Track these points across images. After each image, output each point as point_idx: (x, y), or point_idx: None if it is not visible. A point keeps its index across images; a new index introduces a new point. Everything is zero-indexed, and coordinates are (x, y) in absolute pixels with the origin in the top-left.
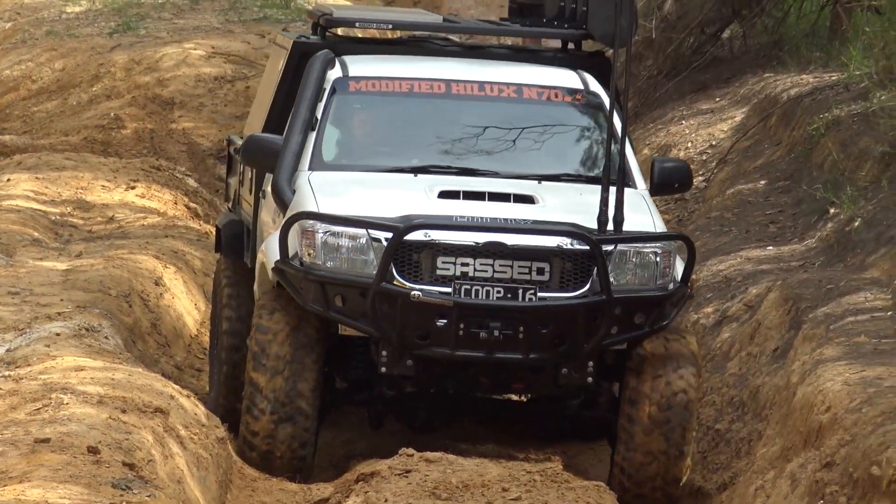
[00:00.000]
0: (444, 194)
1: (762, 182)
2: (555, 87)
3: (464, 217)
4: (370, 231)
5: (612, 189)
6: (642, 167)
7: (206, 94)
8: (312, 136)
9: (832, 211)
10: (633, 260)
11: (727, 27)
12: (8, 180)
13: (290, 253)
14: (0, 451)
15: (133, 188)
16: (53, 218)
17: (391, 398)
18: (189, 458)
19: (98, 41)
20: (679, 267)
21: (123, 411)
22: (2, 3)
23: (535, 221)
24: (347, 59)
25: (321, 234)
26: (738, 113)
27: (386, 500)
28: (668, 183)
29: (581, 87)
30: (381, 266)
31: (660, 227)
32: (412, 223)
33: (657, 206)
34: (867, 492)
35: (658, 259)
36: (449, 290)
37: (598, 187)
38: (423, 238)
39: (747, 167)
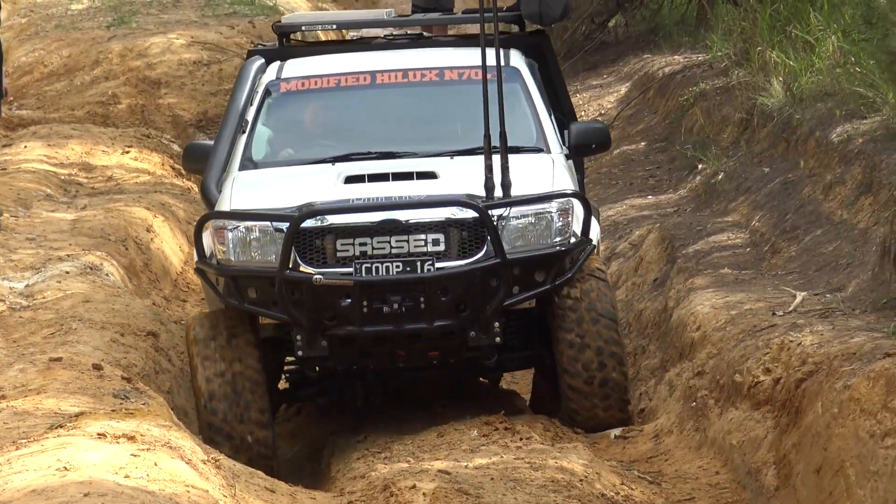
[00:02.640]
0: (350, 179)
1: (643, 143)
2: (475, 67)
3: (359, 199)
4: (273, 223)
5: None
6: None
7: (187, 75)
8: (243, 138)
9: (700, 166)
10: (528, 220)
11: (612, 17)
12: (25, 147)
13: (207, 253)
14: (20, 368)
15: (128, 152)
16: (62, 177)
17: (328, 387)
18: (176, 373)
19: (98, 33)
20: (582, 222)
21: (122, 334)
22: (18, 1)
23: (428, 196)
24: (287, 62)
25: (230, 232)
26: (622, 87)
27: None
28: (586, 144)
29: (502, 64)
30: (282, 255)
31: (561, 186)
32: (306, 211)
33: (580, 166)
34: (731, 395)
35: (552, 217)
36: (350, 270)
37: (519, 155)
38: (321, 223)
39: (630, 131)
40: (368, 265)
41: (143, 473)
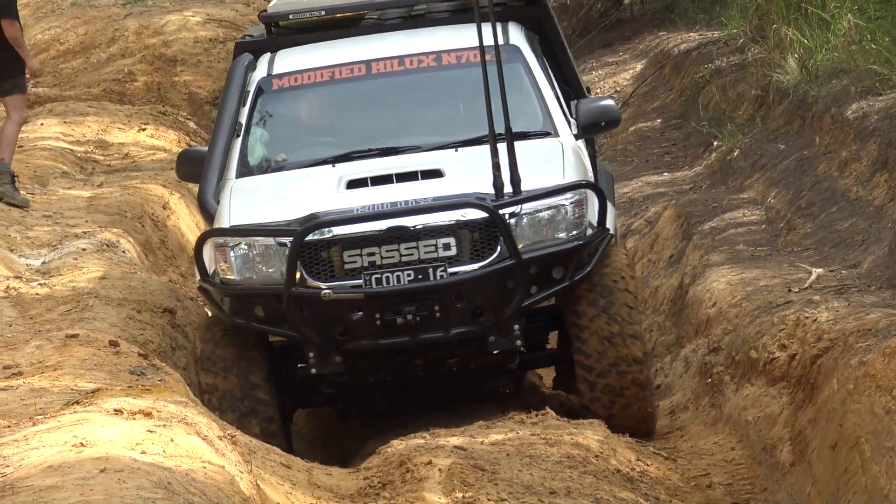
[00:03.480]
0: (352, 184)
1: (658, 120)
2: (473, 48)
3: (363, 207)
4: (276, 238)
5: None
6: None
7: (203, 52)
8: (238, 142)
9: (715, 143)
10: (542, 215)
11: None
12: (41, 124)
13: (209, 270)
14: (37, 345)
15: (144, 130)
16: (79, 154)
17: (340, 395)
18: (192, 349)
19: (114, 10)
20: (597, 212)
21: (138, 311)
22: None
23: (436, 198)
24: (277, 55)
25: (231, 249)
26: (638, 64)
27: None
28: (595, 123)
29: (501, 42)
30: (287, 271)
31: (572, 176)
32: (309, 224)
33: (592, 143)
34: (746, 371)
35: (567, 210)
36: (360, 282)
37: (526, 141)
38: (326, 236)
39: (646, 108)
40: (378, 276)
41: (160, 449)
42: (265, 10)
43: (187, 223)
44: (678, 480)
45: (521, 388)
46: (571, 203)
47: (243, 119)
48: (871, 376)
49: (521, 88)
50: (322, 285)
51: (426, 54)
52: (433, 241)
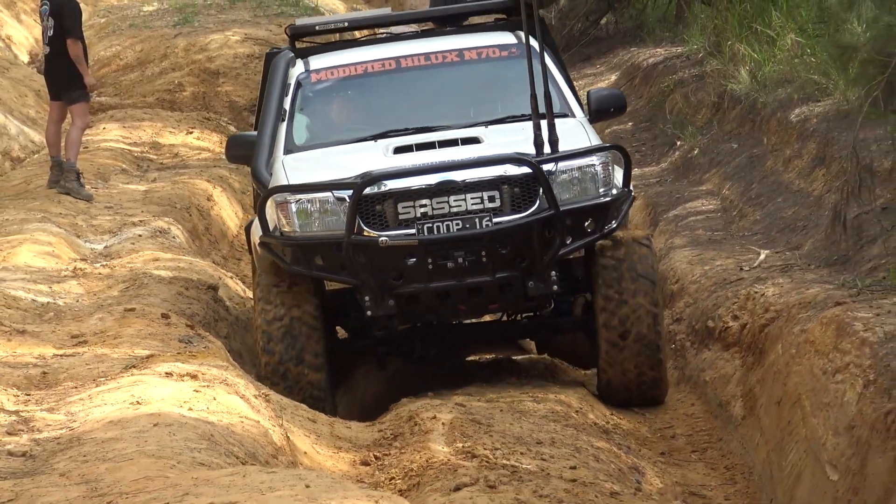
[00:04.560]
0: (399, 149)
1: (630, 124)
2: (491, 46)
3: (416, 164)
4: (335, 192)
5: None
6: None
7: (241, 66)
8: (283, 126)
9: (679, 143)
10: (574, 174)
11: (604, 15)
12: (104, 128)
13: (271, 227)
14: (99, 318)
15: (191, 133)
16: (136, 154)
17: (387, 339)
18: (232, 321)
19: (165, 31)
20: (618, 175)
21: (186, 288)
22: (98, 4)
23: (481, 156)
24: (310, 57)
25: (293, 204)
26: (612, 76)
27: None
28: (605, 109)
29: (515, 41)
30: (348, 220)
31: (595, 143)
32: (367, 178)
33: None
34: (704, 338)
35: (597, 170)
36: (413, 231)
37: (543, 121)
38: (381, 189)
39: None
40: (430, 225)
41: (204, 406)
42: (293, 24)
43: (228, 213)
44: (646, 432)
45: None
46: (601, 163)
47: (287, 106)
48: (811, 342)
49: (548, 78)
50: (378, 234)
51: (449, 51)
52: (479, 194)
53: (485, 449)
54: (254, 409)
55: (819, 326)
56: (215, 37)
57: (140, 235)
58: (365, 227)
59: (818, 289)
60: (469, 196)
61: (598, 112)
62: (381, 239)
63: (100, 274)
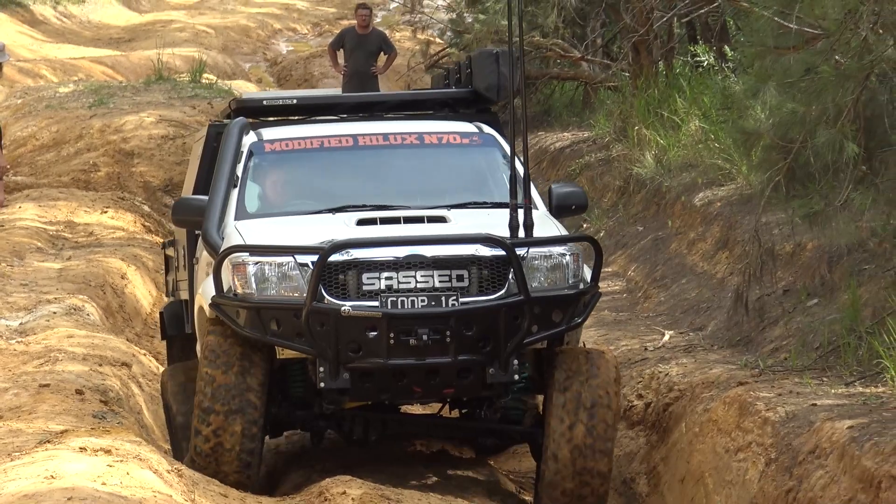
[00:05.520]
0: (362, 221)
1: None
2: (452, 133)
3: (384, 236)
4: (297, 257)
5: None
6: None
7: (156, 147)
8: (235, 192)
9: (585, 225)
10: (546, 262)
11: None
12: (20, 207)
13: (225, 288)
14: (15, 393)
15: (106, 212)
16: (51, 233)
17: (329, 416)
18: (145, 397)
19: (81, 112)
20: (586, 269)
21: (100, 365)
22: (14, 85)
23: (455, 233)
24: (263, 129)
25: (251, 266)
26: None
27: None
28: (566, 205)
29: (476, 130)
30: (311, 286)
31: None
32: (336, 243)
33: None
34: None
35: (567, 260)
36: (376, 303)
37: (504, 210)
38: (347, 257)
39: None
40: (394, 298)
41: (118, 481)
42: (240, 97)
43: (141, 291)
44: None
45: (502, 450)
46: (571, 254)
47: (239, 173)
48: (714, 421)
49: (503, 168)
50: (340, 303)
51: (409, 133)
52: (448, 272)
53: None
54: (167, 484)
55: (722, 406)
56: (130, 118)
57: (55, 312)
58: (325, 296)
59: (721, 369)
60: (437, 273)
61: (559, 209)
62: (343, 308)
63: (14, 350)
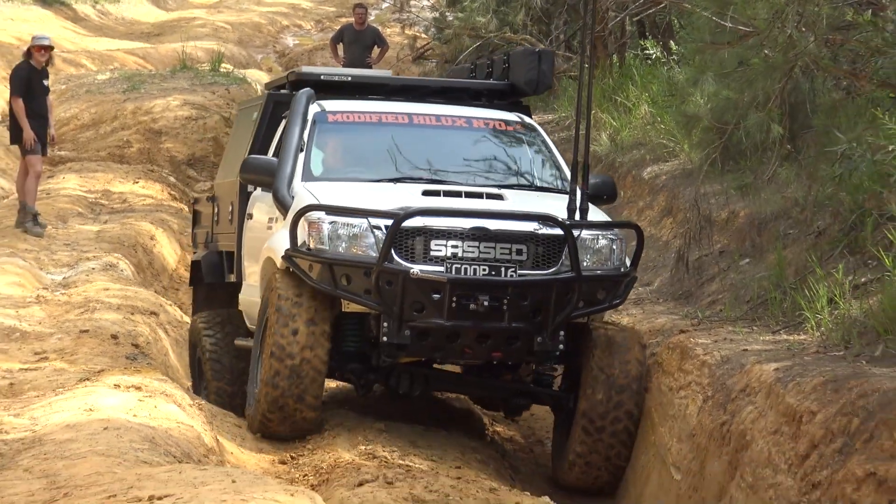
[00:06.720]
0: (427, 193)
1: None
2: (498, 119)
3: (452, 207)
4: (370, 219)
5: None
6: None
7: (180, 127)
8: (301, 156)
9: None
10: (595, 244)
11: None
12: (63, 178)
13: (299, 242)
14: (59, 337)
15: (137, 182)
16: (90, 200)
17: (380, 368)
18: (170, 342)
19: (116, 96)
20: (634, 254)
21: (132, 313)
22: (59, 73)
23: (519, 210)
24: (322, 101)
25: (326, 224)
26: None
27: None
28: (598, 195)
29: (518, 119)
30: (384, 248)
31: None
32: (411, 210)
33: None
34: None
35: (615, 244)
36: (441, 269)
37: (549, 194)
38: (419, 224)
39: None
40: (458, 265)
41: (147, 413)
42: (298, 69)
43: (167, 251)
44: (519, 437)
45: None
46: (618, 238)
47: (305, 138)
48: (659, 364)
49: (548, 156)
50: (411, 265)
51: (458, 117)
52: (508, 245)
53: (384, 449)
54: (189, 416)
55: (666, 350)
56: (158, 101)
57: (93, 268)
58: (395, 257)
59: (665, 319)
60: (498, 245)
61: (593, 198)
62: (412, 270)
63: (59, 301)
